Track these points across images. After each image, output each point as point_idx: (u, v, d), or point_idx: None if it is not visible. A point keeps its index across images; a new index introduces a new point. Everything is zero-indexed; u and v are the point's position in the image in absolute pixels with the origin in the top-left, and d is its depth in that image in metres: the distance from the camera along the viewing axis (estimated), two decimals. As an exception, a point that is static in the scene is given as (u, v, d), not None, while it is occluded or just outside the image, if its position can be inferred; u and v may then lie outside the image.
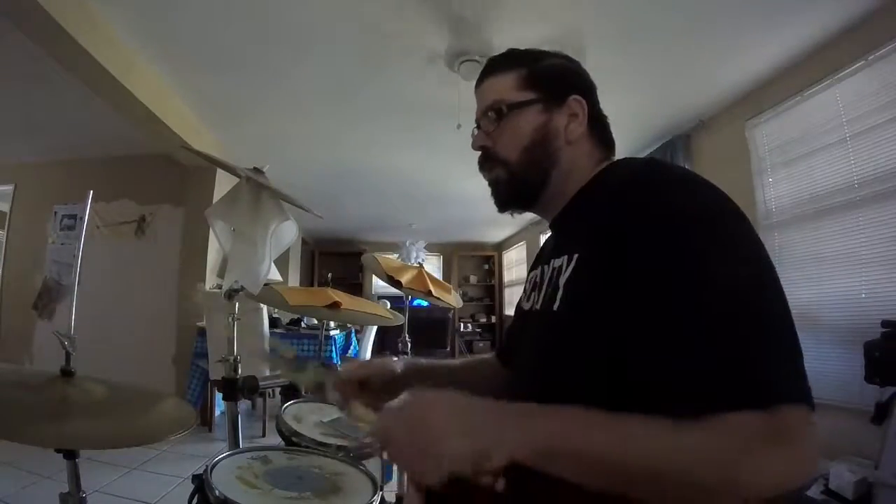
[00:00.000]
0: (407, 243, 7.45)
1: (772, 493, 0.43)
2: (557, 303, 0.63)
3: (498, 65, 0.76)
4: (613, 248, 0.56)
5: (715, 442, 0.44)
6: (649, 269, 0.52)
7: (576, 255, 0.63)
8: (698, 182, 0.59)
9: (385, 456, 0.49)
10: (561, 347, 0.61)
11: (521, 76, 0.72)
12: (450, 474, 0.41)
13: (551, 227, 0.78)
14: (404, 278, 1.95)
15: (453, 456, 0.41)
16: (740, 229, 0.55)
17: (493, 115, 0.72)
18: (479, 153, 0.77)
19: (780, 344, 0.48)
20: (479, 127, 0.76)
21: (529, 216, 0.83)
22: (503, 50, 0.79)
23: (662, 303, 0.50)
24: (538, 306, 0.70)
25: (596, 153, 0.74)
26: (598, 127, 0.75)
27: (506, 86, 0.73)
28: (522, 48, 0.78)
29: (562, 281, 0.63)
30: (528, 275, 0.83)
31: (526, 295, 0.78)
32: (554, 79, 0.73)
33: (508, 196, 0.75)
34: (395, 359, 0.86)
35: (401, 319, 1.84)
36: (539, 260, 0.79)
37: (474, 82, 0.79)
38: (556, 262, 0.67)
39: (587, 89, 0.75)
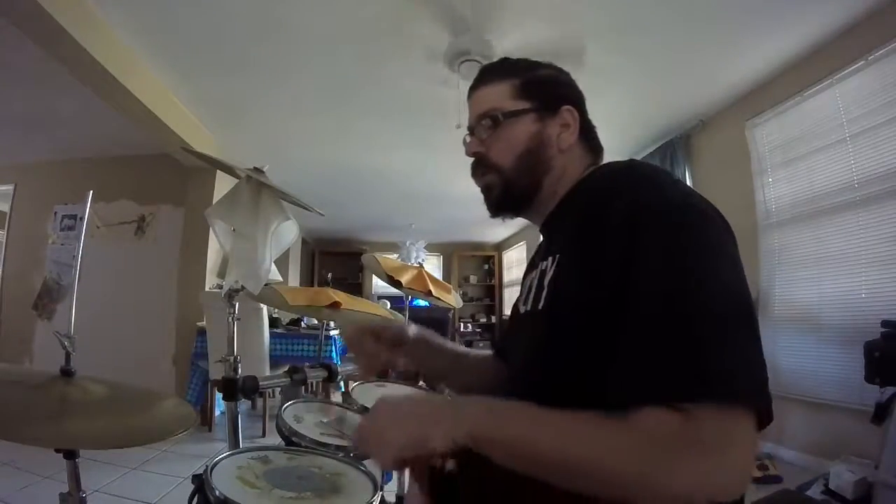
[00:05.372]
0: (407, 243, 7.44)
1: (689, 499, 0.43)
2: (542, 302, 0.65)
3: (492, 73, 0.77)
4: (585, 245, 0.59)
5: (629, 442, 0.45)
6: (604, 266, 0.54)
7: (557, 256, 0.66)
8: (664, 183, 0.60)
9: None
10: (544, 344, 0.63)
11: (515, 85, 0.74)
12: (405, 458, 0.50)
13: (541, 231, 0.81)
14: (404, 278, 1.95)
15: (396, 442, 0.50)
16: (698, 225, 0.55)
17: (487, 123, 0.74)
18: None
19: (716, 342, 0.47)
20: (472, 133, 0.78)
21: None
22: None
23: (610, 299, 0.53)
24: (528, 307, 0.72)
25: (585, 159, 0.77)
26: (588, 135, 0.77)
27: (500, 94, 0.74)
28: (515, 58, 0.80)
29: (546, 281, 0.66)
30: (523, 278, 0.84)
31: (522, 298, 0.80)
32: (547, 89, 0.75)
33: (501, 201, 0.76)
34: (411, 325, 0.88)
35: (401, 319, 1.84)
36: (533, 263, 0.81)
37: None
38: (543, 265, 0.69)
39: (578, 100, 0.77)
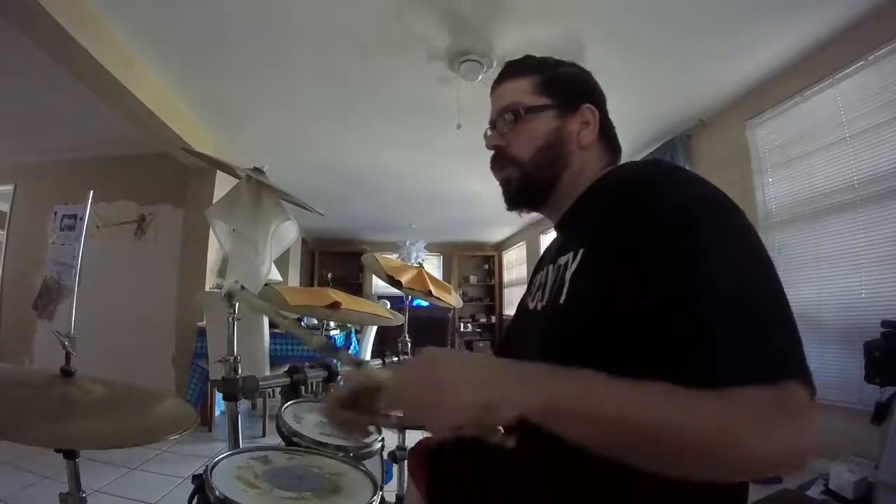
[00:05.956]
0: (407, 243, 7.45)
1: (774, 463, 0.44)
2: (564, 296, 0.64)
3: (516, 69, 0.79)
4: (618, 241, 0.58)
5: (724, 407, 0.44)
6: (657, 258, 0.54)
7: (581, 251, 0.65)
8: (696, 177, 0.62)
9: (399, 413, 0.50)
10: (568, 338, 0.62)
11: (537, 82, 0.76)
12: (461, 429, 0.42)
13: (556, 227, 0.81)
14: (404, 278, 1.94)
15: (464, 405, 0.42)
16: (738, 217, 0.57)
17: (509, 117, 0.76)
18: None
19: (785, 325, 0.50)
20: (493, 127, 0.79)
21: (530, 217, 0.85)
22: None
23: (672, 289, 0.52)
24: (543, 304, 0.71)
25: (604, 158, 0.78)
26: (608, 134, 0.78)
27: (523, 90, 0.76)
28: (539, 55, 0.81)
29: (568, 275, 0.65)
30: (532, 276, 0.84)
31: (531, 295, 0.79)
32: (569, 87, 0.77)
33: (519, 194, 0.78)
34: (386, 366, 0.86)
35: (401, 319, 1.84)
36: (544, 261, 0.81)
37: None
38: (562, 260, 0.69)
39: (599, 99, 0.78)
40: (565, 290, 0.64)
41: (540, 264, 0.83)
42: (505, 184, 0.78)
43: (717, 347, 0.48)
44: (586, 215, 0.72)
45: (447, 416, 0.43)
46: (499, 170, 0.78)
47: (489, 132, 0.80)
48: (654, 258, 0.54)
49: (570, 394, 0.45)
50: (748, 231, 0.56)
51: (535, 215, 0.83)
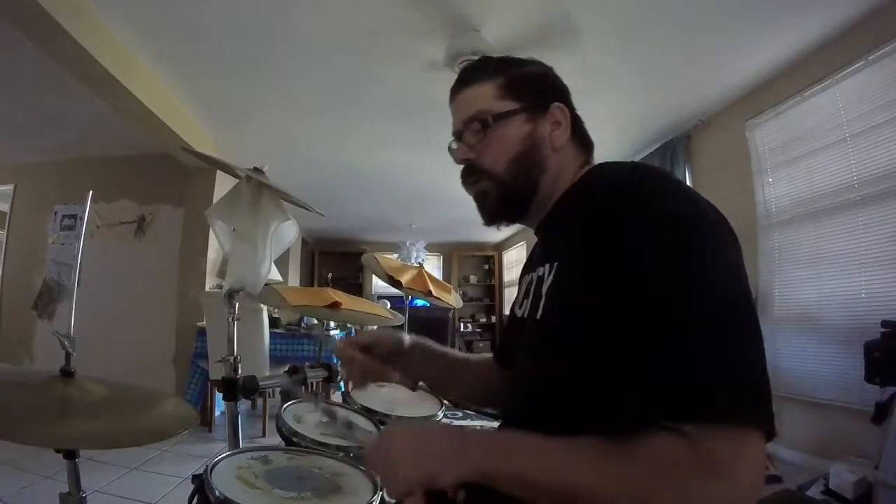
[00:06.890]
0: (407, 243, 7.45)
1: None
2: (540, 311, 0.64)
3: (475, 74, 0.72)
4: (588, 256, 0.56)
5: (637, 471, 0.45)
6: (611, 279, 0.52)
7: (556, 264, 0.63)
8: (673, 191, 0.57)
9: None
10: (543, 355, 0.62)
11: (501, 84, 0.70)
12: (413, 492, 0.52)
13: (536, 233, 0.77)
14: (404, 278, 1.95)
15: (408, 478, 0.51)
16: (709, 240, 0.53)
17: (476, 127, 0.70)
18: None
19: (730, 362, 0.46)
20: (459, 139, 0.73)
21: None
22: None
23: (617, 312, 0.51)
24: (528, 314, 0.70)
25: (578, 157, 0.73)
26: (579, 132, 0.74)
27: (487, 95, 0.70)
28: (497, 56, 0.76)
29: (544, 289, 0.64)
30: (521, 278, 0.83)
31: (518, 301, 0.78)
32: (535, 87, 0.71)
33: (497, 208, 0.72)
34: (405, 334, 0.87)
35: (401, 319, 1.84)
36: (529, 266, 0.80)
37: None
38: (541, 270, 0.67)
39: (565, 95, 0.74)
40: (541, 304, 0.63)
41: (527, 267, 0.81)
42: (480, 199, 0.73)
43: (633, 380, 0.48)
44: (562, 224, 0.68)
45: (398, 487, 0.52)
46: (471, 185, 0.73)
47: (454, 145, 0.73)
48: (608, 281, 0.52)
49: (496, 461, 0.50)
50: (710, 255, 0.52)
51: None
